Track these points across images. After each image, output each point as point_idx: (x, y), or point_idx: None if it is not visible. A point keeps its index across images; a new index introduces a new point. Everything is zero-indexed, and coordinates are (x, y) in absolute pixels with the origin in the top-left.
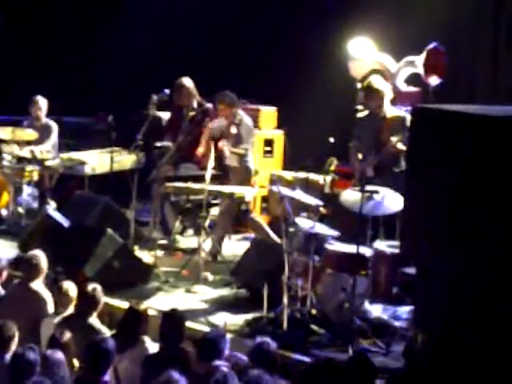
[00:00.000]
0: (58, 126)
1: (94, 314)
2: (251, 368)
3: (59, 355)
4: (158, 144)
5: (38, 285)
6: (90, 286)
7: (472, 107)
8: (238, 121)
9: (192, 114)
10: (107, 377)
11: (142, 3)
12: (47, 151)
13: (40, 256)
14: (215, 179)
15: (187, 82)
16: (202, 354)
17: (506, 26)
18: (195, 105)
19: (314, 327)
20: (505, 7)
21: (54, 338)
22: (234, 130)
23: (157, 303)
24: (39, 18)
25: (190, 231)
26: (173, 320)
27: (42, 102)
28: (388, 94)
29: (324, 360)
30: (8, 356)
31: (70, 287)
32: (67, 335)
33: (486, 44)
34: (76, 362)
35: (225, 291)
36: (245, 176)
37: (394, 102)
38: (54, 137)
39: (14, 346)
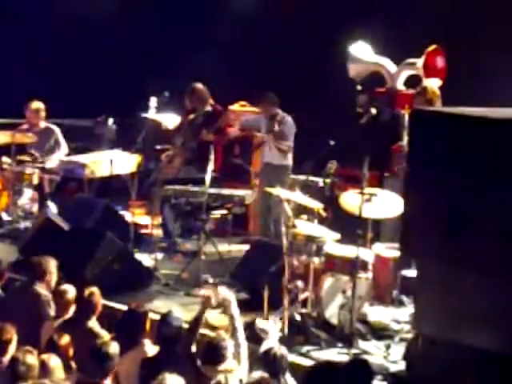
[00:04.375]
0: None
1: (94, 318)
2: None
3: (55, 360)
4: (158, 147)
5: (42, 288)
6: (87, 290)
7: (471, 109)
8: (281, 118)
9: (192, 117)
10: (108, 380)
11: (143, 6)
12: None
13: (50, 261)
14: (216, 181)
15: (199, 86)
16: (206, 358)
17: (506, 26)
18: (209, 108)
19: (314, 330)
20: (504, 7)
21: (51, 341)
22: (276, 127)
23: (157, 306)
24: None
25: (190, 234)
26: (170, 322)
27: (38, 107)
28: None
29: (324, 363)
30: (5, 359)
31: (70, 290)
32: (65, 338)
33: (485, 45)
34: (73, 365)
35: None
36: (283, 173)
37: (393, 104)
38: (61, 140)
39: (11, 349)
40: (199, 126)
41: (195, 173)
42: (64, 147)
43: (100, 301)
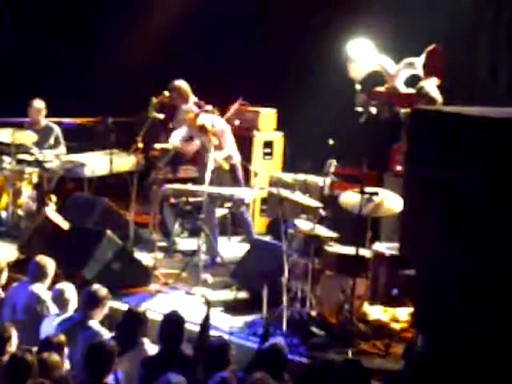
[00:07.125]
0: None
1: (94, 316)
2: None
3: (55, 357)
4: (158, 146)
5: (39, 287)
6: (93, 288)
7: (470, 108)
8: (212, 126)
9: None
10: (109, 379)
11: (142, 5)
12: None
13: (49, 261)
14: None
15: (181, 83)
16: (208, 364)
17: (506, 26)
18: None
19: (313, 329)
20: (504, 7)
21: (47, 339)
22: (215, 140)
23: (156, 305)
24: (41, 19)
25: (190, 233)
26: (172, 322)
27: (40, 105)
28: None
29: (323, 362)
30: (5, 358)
31: (68, 289)
32: (60, 337)
33: (485, 45)
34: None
35: (224, 293)
36: (232, 173)
37: (393, 104)
38: (61, 139)
39: (11, 348)
40: None
41: (194, 172)
42: (63, 147)
43: (104, 299)
